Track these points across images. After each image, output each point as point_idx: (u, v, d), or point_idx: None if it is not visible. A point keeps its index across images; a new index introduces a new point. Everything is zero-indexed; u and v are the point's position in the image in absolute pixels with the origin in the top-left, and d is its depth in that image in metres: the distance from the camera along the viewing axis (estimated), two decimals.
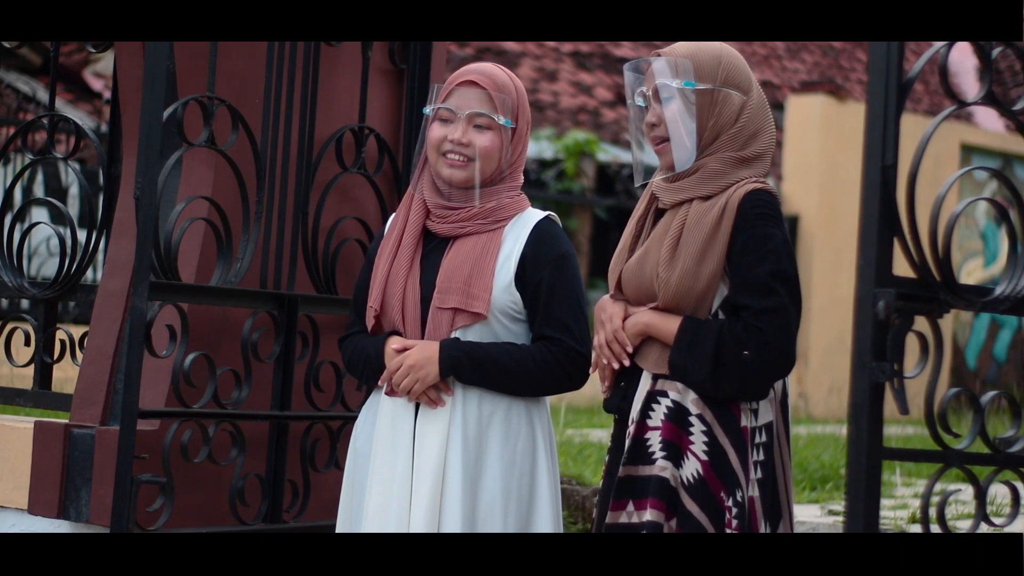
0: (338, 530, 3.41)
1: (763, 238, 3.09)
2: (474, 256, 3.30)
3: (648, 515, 3.06)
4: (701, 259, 3.10)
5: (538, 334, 3.31)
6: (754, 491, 3.08)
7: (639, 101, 3.23)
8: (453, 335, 3.28)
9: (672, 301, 3.12)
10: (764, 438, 3.12)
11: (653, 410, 3.12)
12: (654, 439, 3.10)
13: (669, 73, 3.16)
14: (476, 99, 3.32)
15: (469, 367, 3.25)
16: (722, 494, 3.05)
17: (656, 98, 3.19)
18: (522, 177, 3.43)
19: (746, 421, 3.10)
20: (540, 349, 3.29)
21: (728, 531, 3.03)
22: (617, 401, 3.24)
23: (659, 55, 3.20)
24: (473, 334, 3.29)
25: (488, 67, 3.38)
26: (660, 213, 3.24)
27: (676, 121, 3.15)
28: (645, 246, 3.20)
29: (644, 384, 3.15)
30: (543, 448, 3.34)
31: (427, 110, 3.37)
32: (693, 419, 3.08)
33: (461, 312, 3.28)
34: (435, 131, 3.34)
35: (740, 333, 3.05)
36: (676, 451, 3.08)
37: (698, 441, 3.07)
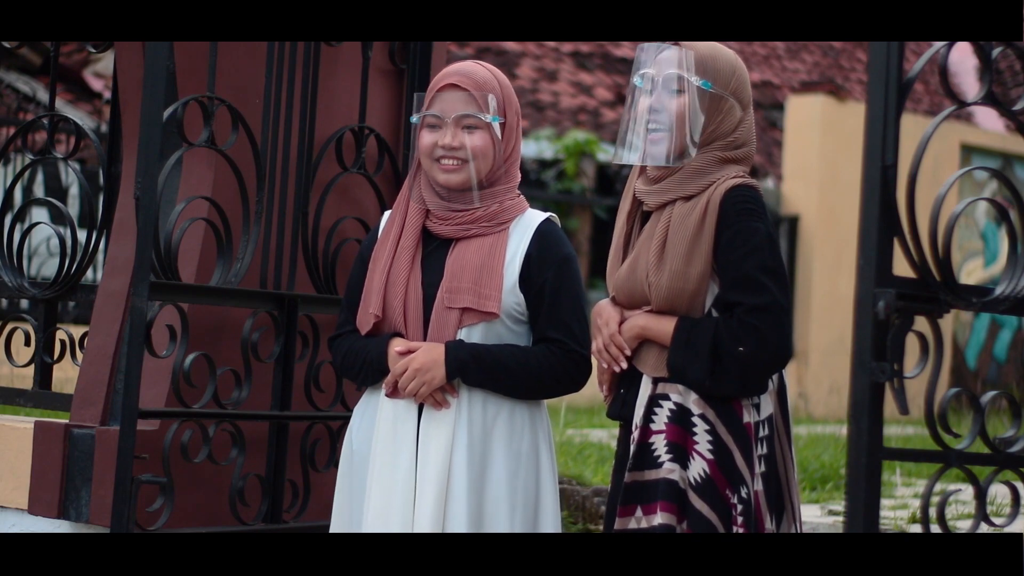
0: (332, 530, 3.41)
1: (747, 233, 3.09)
2: (481, 256, 3.29)
3: (659, 518, 3.07)
4: (688, 260, 3.10)
5: (541, 335, 3.31)
6: (758, 485, 3.09)
7: (637, 82, 3.21)
8: (458, 335, 3.28)
9: (665, 304, 3.13)
10: (766, 431, 3.13)
11: (656, 414, 3.12)
12: (659, 443, 3.11)
13: (687, 67, 3.15)
14: (460, 101, 3.31)
15: (475, 369, 3.25)
16: (728, 492, 3.06)
17: (666, 86, 3.18)
18: (519, 174, 3.42)
19: (749, 417, 3.10)
20: (543, 351, 3.29)
21: (735, 528, 3.04)
22: (619, 408, 3.25)
23: (680, 45, 3.20)
24: (477, 334, 3.28)
25: (468, 67, 3.36)
26: (646, 216, 3.24)
27: (682, 115, 3.15)
28: (634, 252, 3.20)
29: (645, 389, 3.16)
30: (545, 450, 3.34)
31: (414, 119, 3.37)
32: (696, 419, 3.09)
33: (470, 311, 3.27)
34: (425, 138, 3.34)
35: (735, 330, 3.06)
36: (682, 453, 3.08)
37: (702, 441, 3.08)
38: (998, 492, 4.92)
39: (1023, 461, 2.81)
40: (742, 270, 3.08)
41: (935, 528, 2.74)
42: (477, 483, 3.24)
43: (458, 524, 3.21)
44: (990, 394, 2.80)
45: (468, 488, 3.22)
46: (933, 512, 2.72)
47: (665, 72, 3.18)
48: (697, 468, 3.07)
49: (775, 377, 3.16)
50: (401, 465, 3.26)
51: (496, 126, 3.32)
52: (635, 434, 3.14)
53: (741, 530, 3.04)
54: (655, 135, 3.18)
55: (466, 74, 3.33)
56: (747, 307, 3.06)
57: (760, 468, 3.10)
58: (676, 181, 3.17)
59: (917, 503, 5.88)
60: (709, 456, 3.07)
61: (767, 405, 3.14)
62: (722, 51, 3.21)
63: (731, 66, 3.20)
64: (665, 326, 3.13)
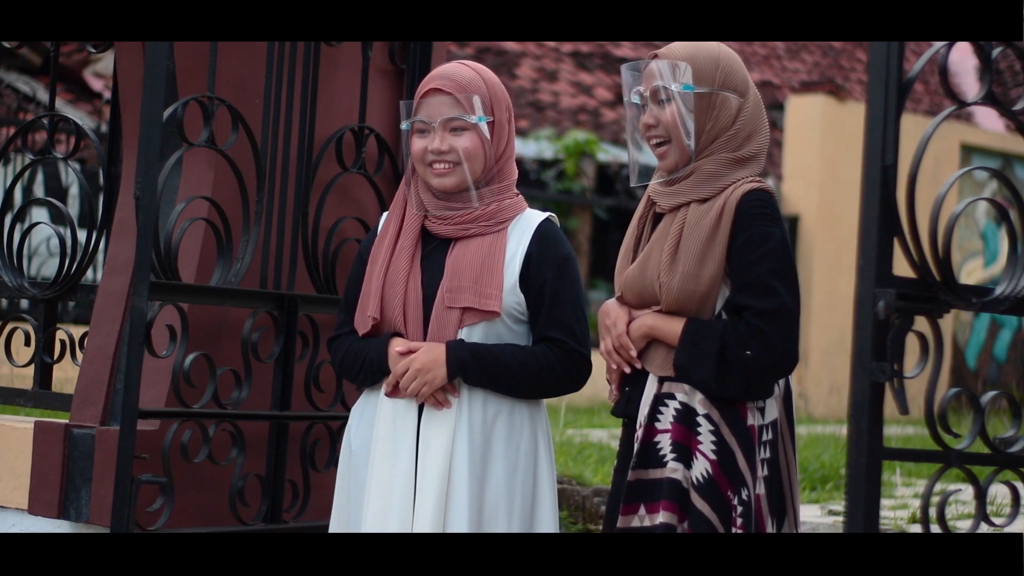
0: (331, 530, 3.41)
1: (762, 238, 3.09)
2: (481, 256, 3.30)
3: (661, 517, 3.07)
4: (701, 261, 3.10)
5: (541, 335, 3.31)
6: (761, 489, 3.09)
7: (635, 99, 3.24)
8: (459, 335, 3.28)
9: (675, 305, 3.13)
10: (770, 435, 3.13)
11: (661, 413, 3.12)
12: (664, 441, 3.11)
13: (668, 75, 3.16)
14: (445, 105, 3.31)
15: (476, 369, 3.25)
16: (729, 493, 3.06)
17: (654, 99, 3.20)
18: (516, 171, 3.42)
19: (753, 420, 3.10)
20: (544, 351, 3.29)
21: (734, 529, 3.04)
22: (623, 405, 3.25)
23: (657, 56, 3.21)
24: (478, 334, 3.28)
25: (451, 69, 3.36)
26: (658, 217, 3.24)
27: (675, 124, 3.16)
28: (644, 252, 3.21)
29: (651, 387, 3.16)
30: (544, 449, 3.35)
31: (404, 126, 3.37)
32: (700, 419, 3.09)
33: (472, 311, 3.27)
34: (416, 144, 3.34)
35: (743, 333, 3.06)
36: (686, 452, 3.09)
37: (706, 441, 3.08)
38: (998, 492, 4.92)
39: (1023, 461, 2.81)
40: (754, 274, 3.08)
41: (935, 528, 2.74)
42: (478, 483, 3.24)
43: (459, 524, 3.21)
44: (990, 394, 2.80)
45: (469, 488, 3.22)
46: (933, 512, 2.72)
47: (650, 87, 3.20)
48: (700, 468, 3.07)
49: (781, 383, 3.16)
50: (401, 465, 3.26)
51: (483, 126, 3.32)
52: (639, 432, 3.14)
53: (740, 531, 3.04)
54: (659, 149, 3.20)
55: (449, 77, 3.33)
56: (756, 311, 3.06)
57: (763, 472, 3.10)
58: (690, 184, 3.17)
59: (917, 503, 5.88)
60: (712, 456, 3.07)
61: (772, 410, 3.14)
62: (702, 49, 3.20)
63: (712, 60, 3.19)
64: (673, 326, 3.13)
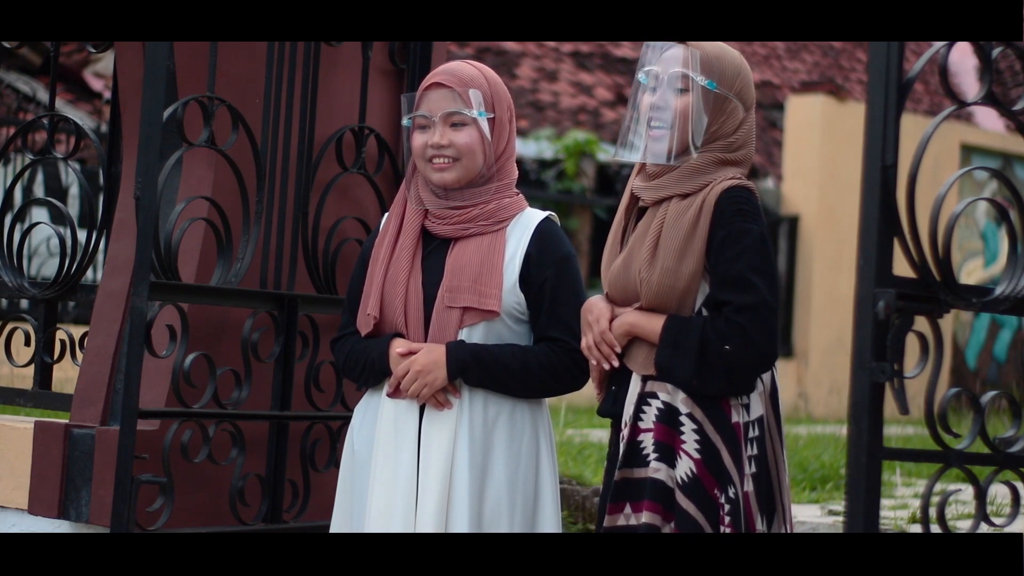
0: (332, 530, 3.41)
1: (740, 234, 3.10)
2: (481, 255, 3.30)
3: (644, 517, 3.07)
4: (681, 257, 3.11)
5: (541, 335, 3.31)
6: (749, 486, 3.09)
7: (644, 79, 3.21)
8: (459, 335, 3.28)
9: (654, 300, 3.13)
10: (756, 432, 3.13)
11: (644, 412, 3.13)
12: (647, 441, 3.11)
13: (695, 67, 3.16)
14: (446, 99, 3.32)
15: (476, 369, 3.25)
16: (715, 491, 3.06)
17: (671, 84, 3.18)
18: (516, 171, 3.43)
19: (738, 417, 3.10)
20: (544, 351, 3.29)
21: (722, 528, 3.04)
22: (609, 405, 3.25)
23: (688, 45, 3.20)
24: (478, 334, 3.29)
25: (453, 65, 3.38)
26: (643, 211, 3.24)
27: (686, 114, 3.16)
28: (628, 247, 3.21)
29: (634, 387, 3.16)
30: (545, 449, 3.35)
31: (405, 121, 3.38)
32: (683, 418, 3.09)
33: (471, 311, 3.27)
34: (416, 139, 3.35)
35: (722, 329, 3.06)
36: (669, 452, 3.09)
37: (689, 440, 3.08)
38: (998, 492, 4.91)
39: (1023, 461, 2.81)
40: (733, 270, 3.09)
41: (935, 528, 2.74)
42: (479, 483, 3.25)
43: (460, 524, 3.21)
44: (990, 394, 2.80)
45: (470, 488, 3.23)
46: (933, 512, 2.72)
47: (670, 70, 3.18)
48: (684, 467, 3.07)
49: (767, 379, 3.16)
50: (403, 465, 3.26)
51: (483, 121, 3.33)
52: (624, 432, 3.14)
53: (729, 530, 3.04)
54: (656, 132, 3.18)
55: (450, 72, 3.34)
56: (735, 306, 3.07)
57: (751, 469, 3.10)
58: (673, 178, 3.17)
59: (917, 503, 5.88)
60: (696, 455, 3.07)
61: (757, 406, 3.13)
62: (728, 51, 3.22)
63: (736, 67, 3.20)
64: (654, 324, 3.13)
